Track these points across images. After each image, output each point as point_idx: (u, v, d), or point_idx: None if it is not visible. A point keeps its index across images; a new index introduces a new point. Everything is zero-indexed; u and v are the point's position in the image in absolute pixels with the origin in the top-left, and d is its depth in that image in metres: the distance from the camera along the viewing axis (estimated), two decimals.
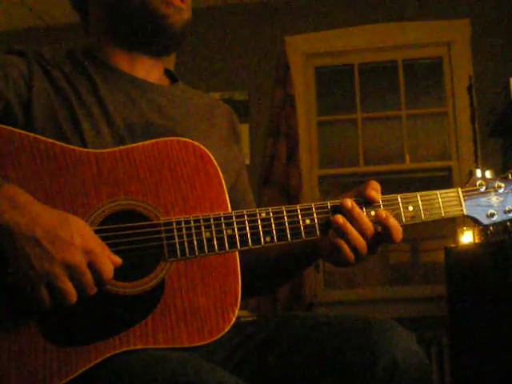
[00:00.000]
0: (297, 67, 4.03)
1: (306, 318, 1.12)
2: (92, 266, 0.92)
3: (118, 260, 0.95)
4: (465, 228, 3.34)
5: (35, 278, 0.90)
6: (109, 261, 0.94)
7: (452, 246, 3.30)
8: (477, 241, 3.23)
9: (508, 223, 1.13)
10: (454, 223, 3.70)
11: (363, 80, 4.15)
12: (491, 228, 1.13)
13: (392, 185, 3.92)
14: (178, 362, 0.90)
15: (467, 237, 3.29)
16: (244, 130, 3.94)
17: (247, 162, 3.88)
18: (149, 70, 1.24)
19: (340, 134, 4.26)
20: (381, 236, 1.05)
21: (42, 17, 4.13)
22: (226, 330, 0.98)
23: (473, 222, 1.13)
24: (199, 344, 0.97)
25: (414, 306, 3.64)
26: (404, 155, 4.06)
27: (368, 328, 1.02)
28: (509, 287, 2.70)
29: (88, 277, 0.92)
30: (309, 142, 4.02)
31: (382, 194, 1.08)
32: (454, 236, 3.49)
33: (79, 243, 0.91)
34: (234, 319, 0.99)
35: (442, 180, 4.00)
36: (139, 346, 0.95)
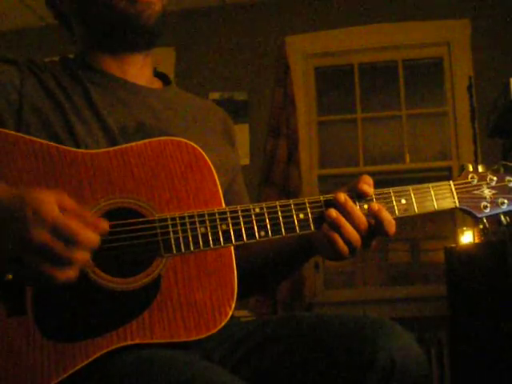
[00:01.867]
0: (297, 67, 4.04)
1: (305, 318, 1.13)
2: (57, 234, 0.85)
3: (101, 223, 0.90)
4: (465, 228, 3.34)
5: (14, 270, 0.88)
6: (76, 223, 0.87)
7: (452, 245, 3.30)
8: (477, 241, 3.23)
9: (502, 216, 1.14)
10: (454, 223, 3.71)
11: (363, 80, 4.15)
12: (485, 221, 1.14)
13: (392, 185, 3.90)
14: (178, 361, 0.91)
15: (467, 237, 3.30)
16: (244, 130, 3.95)
17: (247, 162, 3.89)
18: (139, 71, 1.24)
19: (340, 134, 4.26)
20: (374, 229, 1.06)
21: (42, 17, 4.14)
22: (223, 323, 0.99)
23: (466, 214, 1.14)
24: (196, 338, 0.98)
25: (414, 306, 3.64)
26: (404, 155, 4.06)
27: (367, 328, 1.03)
28: (509, 287, 2.70)
29: (55, 247, 0.85)
30: (309, 142, 4.03)
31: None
32: (454, 236, 3.49)
33: (31, 217, 0.85)
34: (230, 313, 0.99)
35: (442, 180, 3.99)
36: (137, 341, 0.96)
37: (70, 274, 0.87)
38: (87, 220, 0.89)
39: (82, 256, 0.88)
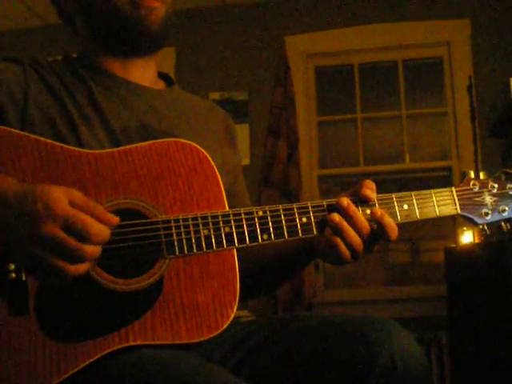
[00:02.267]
0: (297, 67, 4.03)
1: (305, 318, 1.13)
2: (68, 229, 0.87)
3: (111, 217, 0.92)
4: (465, 228, 3.34)
5: (27, 266, 0.91)
6: (88, 218, 0.89)
7: (452, 246, 3.30)
8: (477, 241, 3.23)
9: (503, 223, 1.14)
10: (454, 223, 3.70)
11: (363, 80, 4.15)
12: (486, 228, 1.14)
13: (392, 185, 3.92)
14: (178, 362, 0.91)
15: (467, 237, 3.29)
16: (244, 130, 3.94)
17: (247, 162, 3.89)
18: (142, 72, 1.24)
19: (340, 134, 4.26)
20: (376, 234, 1.06)
21: (42, 17, 4.14)
22: (225, 326, 0.99)
23: (467, 221, 1.15)
24: (198, 340, 0.98)
25: (414, 306, 3.64)
26: (404, 155, 4.06)
27: (367, 327, 1.03)
28: (508, 287, 2.70)
29: (67, 242, 0.87)
30: (309, 142, 4.03)
31: (380, 193, 1.09)
32: (454, 236, 3.49)
33: (43, 213, 0.87)
34: (232, 315, 1.00)
35: (442, 180, 4.01)
36: (138, 342, 0.96)
37: (81, 268, 0.90)
38: (97, 214, 0.90)
39: (93, 250, 0.90)
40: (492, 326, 2.77)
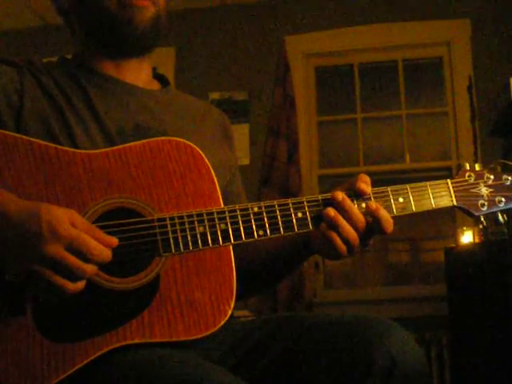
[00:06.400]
0: (297, 67, 4.03)
1: (305, 318, 1.13)
2: (72, 249, 0.90)
3: (111, 239, 0.94)
4: (465, 228, 3.34)
5: (26, 282, 0.91)
6: (90, 239, 0.91)
7: (452, 246, 3.30)
8: (477, 241, 3.23)
9: (499, 215, 1.14)
10: (454, 223, 3.70)
11: (363, 80, 4.15)
12: (483, 219, 1.14)
13: (392, 185, 3.90)
14: (177, 361, 0.91)
15: (467, 237, 3.29)
16: (244, 130, 3.95)
17: (247, 162, 3.89)
18: (136, 73, 1.25)
19: (340, 134, 4.26)
20: (372, 228, 1.06)
21: (42, 17, 4.14)
22: (223, 322, 0.99)
23: (464, 212, 1.14)
24: (196, 337, 0.98)
25: (414, 306, 3.64)
26: (404, 155, 4.06)
27: (367, 327, 1.03)
28: (509, 287, 2.70)
29: (70, 261, 0.89)
30: (309, 142, 4.03)
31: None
32: (454, 236, 3.48)
33: (47, 233, 0.89)
34: (229, 312, 1.00)
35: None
36: (136, 341, 0.96)
37: (79, 285, 0.92)
38: (96, 235, 0.92)
39: (93, 269, 0.93)
40: (492, 325, 2.77)
